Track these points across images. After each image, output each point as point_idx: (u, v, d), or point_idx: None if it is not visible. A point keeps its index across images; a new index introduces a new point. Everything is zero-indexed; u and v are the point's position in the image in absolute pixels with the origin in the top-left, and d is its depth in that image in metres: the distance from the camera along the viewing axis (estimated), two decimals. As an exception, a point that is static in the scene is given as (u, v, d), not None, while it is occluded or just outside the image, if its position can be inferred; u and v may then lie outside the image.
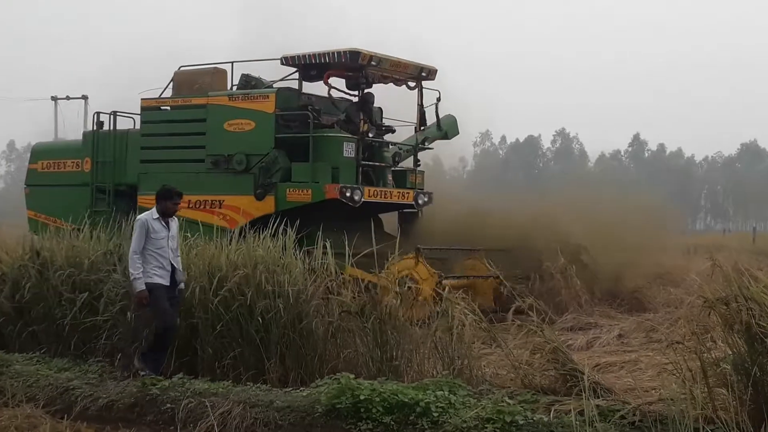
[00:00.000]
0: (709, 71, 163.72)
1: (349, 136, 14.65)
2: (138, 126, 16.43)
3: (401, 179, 15.86)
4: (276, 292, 9.07)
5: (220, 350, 9.32)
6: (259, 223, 13.76)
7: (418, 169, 16.03)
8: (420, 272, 13.17)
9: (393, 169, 15.73)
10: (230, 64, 15.87)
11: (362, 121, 14.75)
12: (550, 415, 7.39)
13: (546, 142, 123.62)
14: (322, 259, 9.55)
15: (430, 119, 16.12)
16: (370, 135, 15.16)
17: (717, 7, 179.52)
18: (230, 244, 9.86)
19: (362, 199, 14.31)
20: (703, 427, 6.10)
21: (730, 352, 7.63)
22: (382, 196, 15.09)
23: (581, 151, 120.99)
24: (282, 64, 14.88)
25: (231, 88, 15.67)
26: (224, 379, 9.00)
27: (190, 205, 14.43)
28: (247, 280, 9.22)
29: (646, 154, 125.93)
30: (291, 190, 14.35)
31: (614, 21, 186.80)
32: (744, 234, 41.85)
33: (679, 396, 7.50)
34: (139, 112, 16.21)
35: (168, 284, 9.39)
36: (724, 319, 7.64)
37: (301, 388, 8.30)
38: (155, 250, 9.37)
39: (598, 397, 7.82)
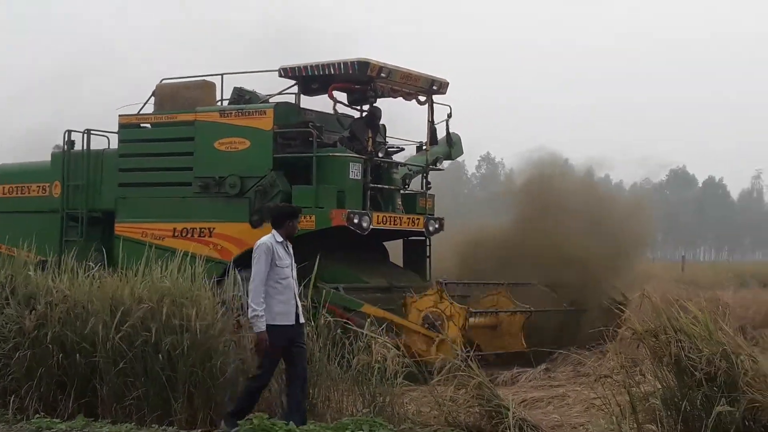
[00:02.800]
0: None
1: (356, 156, 13.16)
2: (115, 145, 14.68)
3: (410, 203, 14.38)
4: (184, 326, 8.48)
5: (122, 390, 8.63)
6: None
7: (429, 192, 14.55)
8: (445, 309, 11.88)
9: (402, 192, 14.45)
10: (220, 77, 14.33)
11: (370, 139, 13.28)
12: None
13: (470, 168, 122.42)
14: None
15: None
16: (380, 155, 13.89)
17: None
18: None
19: (371, 226, 12.93)
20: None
21: (660, 386, 7.43)
22: (392, 223, 13.61)
23: (507, 175, 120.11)
24: (280, 76, 13.47)
25: (221, 104, 14.30)
26: (127, 420, 8.39)
27: (176, 234, 13.32)
28: (153, 315, 8.57)
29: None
30: None
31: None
32: (673, 263, 42.40)
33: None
34: (116, 130, 14.51)
35: (293, 324, 8.08)
36: (653, 351, 7.45)
37: (212, 430, 7.77)
38: (280, 280, 8.03)
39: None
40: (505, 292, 13.12)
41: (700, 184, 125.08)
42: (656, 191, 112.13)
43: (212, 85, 14.37)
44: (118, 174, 14.24)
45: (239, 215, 13.04)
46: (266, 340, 7.85)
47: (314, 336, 8.48)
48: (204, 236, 13.25)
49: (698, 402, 7.05)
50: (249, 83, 14.18)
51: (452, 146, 14.97)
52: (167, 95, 14.35)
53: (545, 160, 16.45)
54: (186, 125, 13.76)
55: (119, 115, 14.41)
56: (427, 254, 14.55)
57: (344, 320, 11.04)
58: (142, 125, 14.52)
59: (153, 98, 14.46)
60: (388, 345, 8.26)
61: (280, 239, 8.17)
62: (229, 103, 14.05)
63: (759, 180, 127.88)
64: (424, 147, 14.49)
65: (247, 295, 8.07)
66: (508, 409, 8.01)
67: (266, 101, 13.64)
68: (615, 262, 14.54)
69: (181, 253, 9.21)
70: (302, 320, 8.18)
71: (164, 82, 14.53)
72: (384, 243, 14.72)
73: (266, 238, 8.15)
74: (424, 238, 14.45)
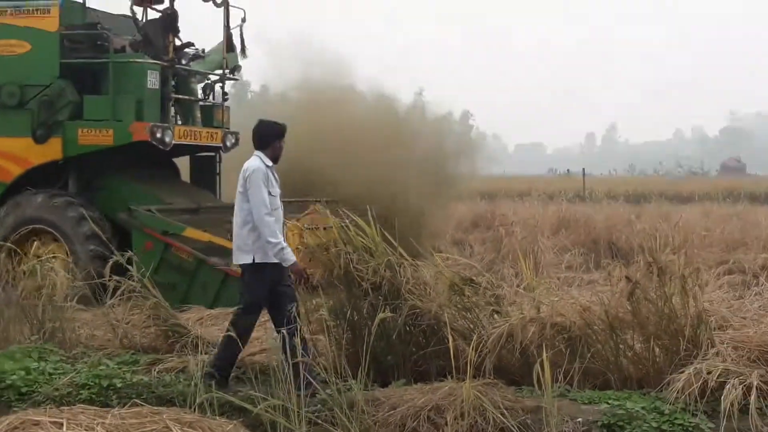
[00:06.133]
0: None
1: (157, 62, 11.72)
2: None
3: (207, 116, 13.14)
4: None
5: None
6: (40, 173, 11.55)
7: (226, 104, 13.41)
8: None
9: (201, 104, 13.14)
10: None
11: (171, 44, 11.90)
12: (151, 374, 7.08)
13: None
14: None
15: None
16: (183, 62, 12.57)
17: None
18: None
19: (173, 142, 11.75)
20: (303, 374, 6.05)
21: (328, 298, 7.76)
22: (192, 137, 12.42)
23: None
24: None
25: None
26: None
27: None
28: None
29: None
30: (84, 130, 11.38)
31: None
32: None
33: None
34: None
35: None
36: (324, 264, 7.73)
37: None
38: (272, 211, 7.07)
39: (202, 353, 7.59)
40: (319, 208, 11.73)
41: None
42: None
43: None
44: None
45: (20, 129, 11.56)
46: (304, 269, 7.11)
47: None
48: None
49: (365, 311, 7.47)
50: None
51: (246, 55, 13.51)
52: None
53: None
54: None
55: None
56: (217, 171, 13.63)
57: (172, 246, 10.58)
58: None
59: None
60: (56, 269, 7.95)
61: (269, 163, 7.22)
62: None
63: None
64: (205, 53, 13.22)
65: (258, 228, 7.00)
66: (186, 329, 8.08)
67: None
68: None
69: None
70: None
71: None
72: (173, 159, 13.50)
73: (257, 162, 7.15)
74: (213, 154, 13.52)
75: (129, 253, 8.46)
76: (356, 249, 7.65)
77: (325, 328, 7.48)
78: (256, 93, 30.72)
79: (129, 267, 8.17)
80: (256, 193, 7.02)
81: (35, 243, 10.86)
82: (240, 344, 6.88)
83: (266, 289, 7.12)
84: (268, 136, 7.32)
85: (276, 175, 7.31)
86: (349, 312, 7.43)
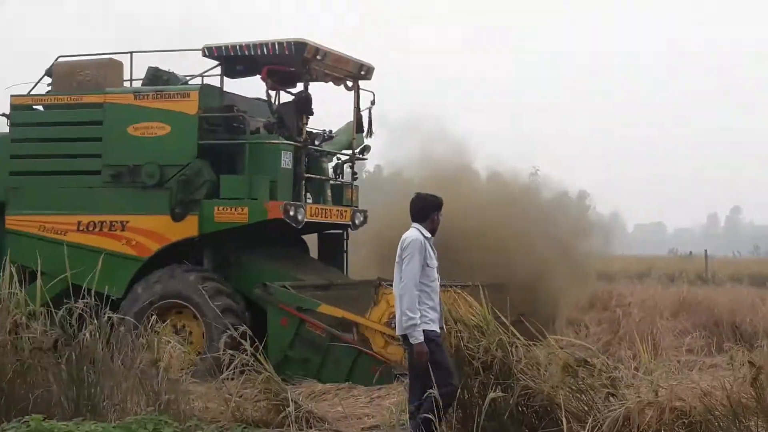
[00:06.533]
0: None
1: (290, 143, 12.12)
2: (6, 129, 13.06)
3: (336, 195, 13.39)
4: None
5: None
6: (177, 249, 11.93)
7: (355, 183, 13.69)
8: None
9: (332, 183, 13.47)
10: (129, 55, 12.88)
11: (304, 126, 12.33)
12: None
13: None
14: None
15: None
16: (317, 143, 12.99)
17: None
18: None
19: (305, 219, 12.03)
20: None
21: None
22: (323, 215, 12.64)
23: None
24: (204, 55, 12.23)
25: (130, 84, 12.89)
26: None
27: (80, 228, 12.09)
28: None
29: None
30: (221, 208, 11.67)
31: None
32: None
33: (395, 422, 7.45)
34: (7, 112, 12.95)
35: (439, 332, 7.23)
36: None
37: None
38: (429, 283, 7.12)
39: (311, 427, 7.62)
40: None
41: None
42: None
43: (119, 64, 13.12)
44: (10, 161, 12.80)
45: (158, 207, 11.94)
46: (426, 352, 6.97)
47: (96, 334, 8.19)
48: (115, 230, 12.10)
49: (475, 390, 7.36)
50: (158, 65, 12.95)
51: (371, 136, 13.78)
52: (66, 74, 12.92)
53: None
54: (93, 107, 12.47)
55: (11, 96, 12.93)
56: (345, 249, 13.82)
57: (307, 321, 10.75)
58: (35, 107, 13.08)
59: (52, 78, 13.04)
60: (172, 342, 8.12)
61: (428, 235, 7.27)
62: (143, 85, 12.81)
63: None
64: (333, 134, 13.60)
65: (399, 300, 7.08)
66: (296, 403, 8.10)
67: (186, 83, 12.57)
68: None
69: None
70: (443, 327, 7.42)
71: (62, 59, 13.13)
72: (302, 237, 13.73)
73: (416, 234, 7.19)
74: (341, 231, 13.68)
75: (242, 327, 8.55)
76: (468, 327, 7.60)
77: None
78: (370, 173, 31.01)
79: (242, 341, 8.27)
80: (409, 263, 7.02)
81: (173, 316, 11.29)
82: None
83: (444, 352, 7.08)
84: (427, 209, 7.35)
85: (433, 247, 7.30)
86: (459, 391, 7.33)
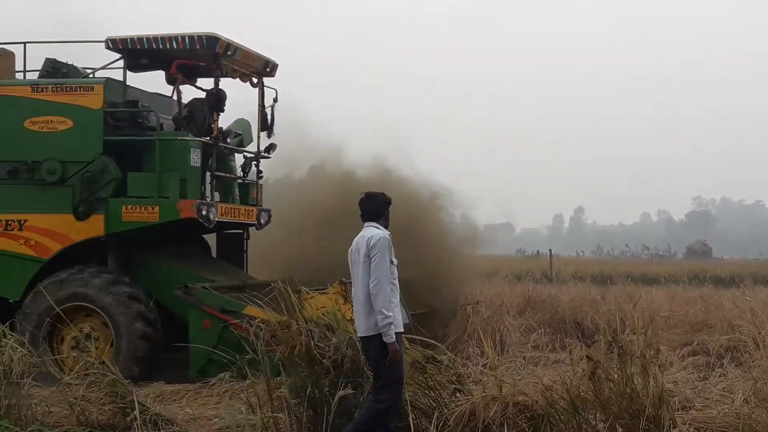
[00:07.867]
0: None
1: (200, 140, 11.66)
2: None
3: (243, 194, 13.12)
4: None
5: None
6: (80, 249, 11.36)
7: (260, 182, 13.40)
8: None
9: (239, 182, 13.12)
10: (22, 45, 12.20)
11: (215, 123, 11.85)
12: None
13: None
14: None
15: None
16: (229, 140, 12.58)
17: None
18: None
19: (216, 219, 11.63)
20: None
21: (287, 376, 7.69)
22: (232, 215, 12.36)
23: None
24: (107, 48, 11.64)
25: (24, 77, 12.23)
26: None
27: None
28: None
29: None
30: (129, 207, 11.23)
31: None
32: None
33: (245, 422, 7.40)
34: None
35: (402, 331, 7.08)
36: (286, 342, 7.67)
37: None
38: (393, 280, 6.97)
39: (159, 430, 7.49)
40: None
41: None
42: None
43: (11, 55, 12.43)
44: None
45: (60, 206, 11.38)
46: (399, 351, 6.88)
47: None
48: (12, 229, 11.47)
49: (326, 388, 7.40)
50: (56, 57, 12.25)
51: (272, 134, 13.36)
52: None
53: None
54: None
55: None
56: (245, 248, 13.53)
57: (230, 324, 10.29)
58: None
59: None
60: (15, 346, 7.82)
61: (389, 233, 7.14)
62: (39, 77, 12.12)
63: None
64: (235, 133, 13.22)
65: (373, 298, 6.88)
66: (144, 405, 7.94)
67: (87, 77, 12.00)
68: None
69: None
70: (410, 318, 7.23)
71: None
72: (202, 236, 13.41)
73: (380, 232, 7.05)
74: (241, 231, 13.44)
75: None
76: (319, 326, 7.64)
77: (286, 407, 7.39)
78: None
79: (88, 344, 8.06)
80: (381, 262, 6.91)
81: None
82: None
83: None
84: (382, 207, 7.28)
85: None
86: (309, 389, 7.36)
